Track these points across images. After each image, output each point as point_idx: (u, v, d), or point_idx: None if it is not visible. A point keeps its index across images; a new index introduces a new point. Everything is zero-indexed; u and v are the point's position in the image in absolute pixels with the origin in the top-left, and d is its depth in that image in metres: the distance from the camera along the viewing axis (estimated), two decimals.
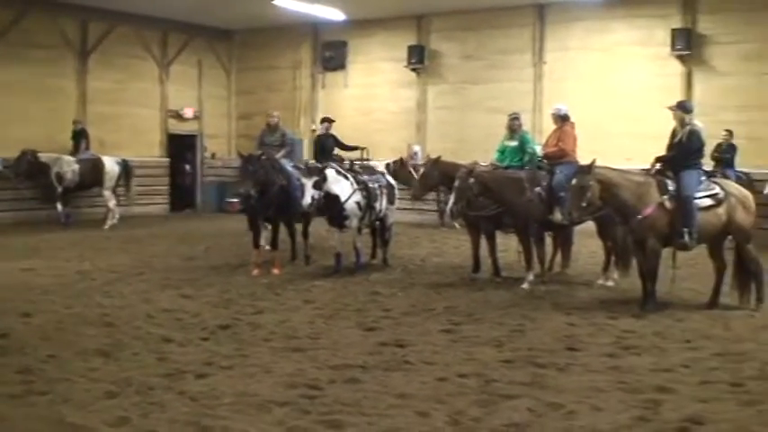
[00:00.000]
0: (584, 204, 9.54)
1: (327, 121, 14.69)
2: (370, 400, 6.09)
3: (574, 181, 9.66)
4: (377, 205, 12.58)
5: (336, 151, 14.54)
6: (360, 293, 10.67)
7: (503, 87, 19.87)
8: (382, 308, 9.76)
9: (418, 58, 21.06)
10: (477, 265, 12.01)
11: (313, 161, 14.41)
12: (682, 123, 9.82)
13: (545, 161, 11.54)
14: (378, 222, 13.09)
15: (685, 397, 6.26)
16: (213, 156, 24.29)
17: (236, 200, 19.64)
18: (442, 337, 8.27)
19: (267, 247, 12.53)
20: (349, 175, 12.28)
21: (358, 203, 12.12)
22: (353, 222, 12.16)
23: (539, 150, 11.88)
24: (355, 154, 15.60)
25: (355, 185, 12.16)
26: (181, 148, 23.73)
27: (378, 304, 9.98)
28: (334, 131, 14.57)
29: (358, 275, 12.00)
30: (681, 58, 17.87)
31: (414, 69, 21.30)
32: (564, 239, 12.24)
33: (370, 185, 12.45)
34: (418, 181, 12.56)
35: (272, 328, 8.61)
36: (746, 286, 9.83)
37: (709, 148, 15.10)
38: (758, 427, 5.61)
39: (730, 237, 10.01)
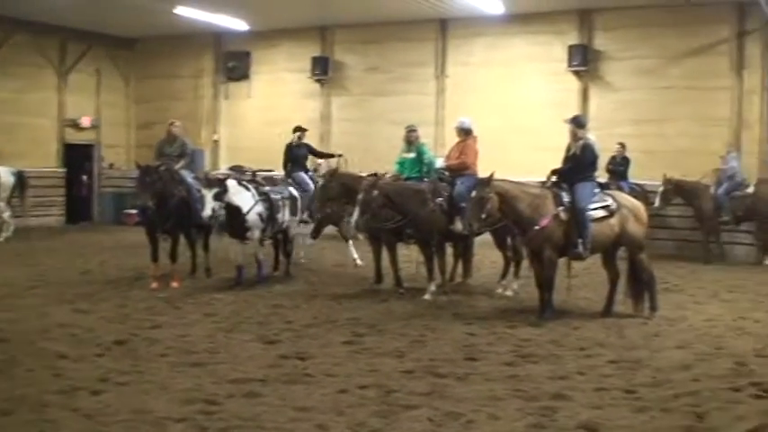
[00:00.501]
0: (483, 216, 9.70)
1: (300, 130, 14.70)
2: (269, 414, 6.03)
3: (473, 193, 9.81)
4: (279, 217, 12.50)
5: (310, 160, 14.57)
6: (261, 306, 10.57)
7: (406, 100, 20.05)
8: (284, 320, 9.70)
9: (322, 69, 21.08)
10: (379, 277, 12.07)
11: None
12: (575, 137, 10.10)
13: (447, 173, 11.69)
14: (280, 234, 13.01)
15: (580, 404, 6.41)
16: (111, 166, 23.73)
17: (134, 212, 19.23)
18: (343, 349, 8.27)
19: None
20: (251, 187, 12.17)
21: (260, 215, 12.01)
22: (255, 234, 12.05)
23: (438, 162, 12.03)
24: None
25: (257, 197, 12.06)
26: (78, 158, 23.09)
27: (280, 317, 9.91)
28: (307, 140, 14.71)
29: (260, 288, 11.89)
30: (577, 73, 18.40)
31: (318, 80, 21.31)
32: (465, 250, 12.40)
33: (273, 197, 12.37)
34: (317, 193, 12.50)
35: (170, 342, 8.44)
36: (640, 295, 10.15)
37: (603, 161, 15.64)
38: None
39: (623, 247, 10.32)
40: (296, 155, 14.52)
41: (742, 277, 13.92)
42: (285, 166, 14.50)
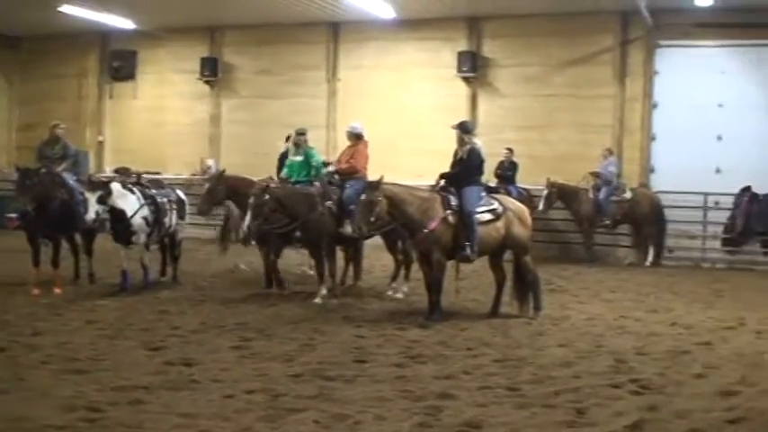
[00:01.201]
0: (372, 219, 9.78)
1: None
2: (152, 422, 5.89)
3: (363, 196, 9.87)
4: (166, 221, 12.25)
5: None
6: (147, 312, 10.34)
7: (298, 103, 19.97)
8: (170, 326, 9.51)
9: (211, 70, 20.79)
10: (269, 281, 11.99)
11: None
12: (461, 142, 10.28)
13: (336, 176, 11.71)
14: (167, 238, 12.75)
15: (465, 402, 6.51)
16: None
17: (14, 215, 18.51)
18: (231, 354, 8.17)
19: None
20: (136, 190, 11.89)
21: (145, 219, 11.75)
22: (141, 238, 11.78)
23: (329, 166, 12.05)
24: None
25: (143, 200, 11.79)
26: None
27: (165, 322, 9.72)
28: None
29: (146, 293, 11.64)
30: (466, 79, 18.72)
31: (207, 82, 21.00)
32: (355, 253, 12.45)
33: (159, 200, 12.11)
34: (203, 196, 12.32)
35: (52, 350, 8.16)
36: (525, 296, 10.40)
37: (492, 166, 15.99)
38: (532, 429, 5.91)
39: (509, 249, 10.55)
40: None
41: (623, 278, 14.47)
42: (278, 174, 14.11)
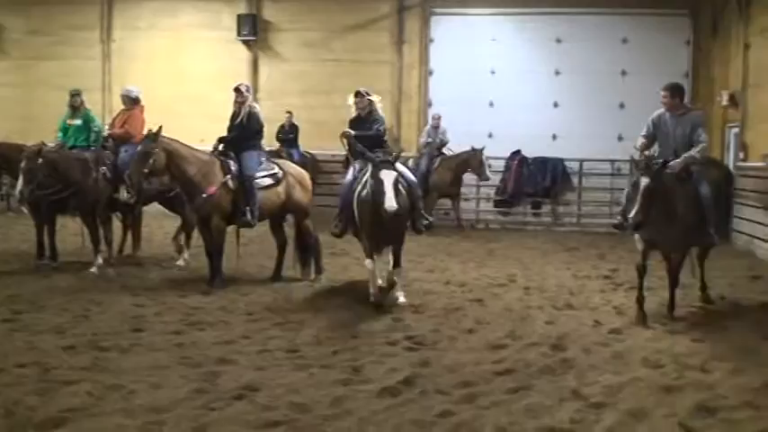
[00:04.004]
0: (146, 170, 9.57)
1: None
2: None
3: (139, 147, 9.67)
4: None
5: None
6: None
7: (71, 64, 19.02)
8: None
9: None
10: (42, 251, 11.46)
11: None
12: (241, 106, 10.23)
13: (110, 141, 11.34)
14: None
15: (244, 366, 6.60)
16: None
17: None
18: (1, 327, 7.80)
19: None
20: None
21: None
22: None
23: (105, 130, 11.64)
24: None
25: None
26: None
27: None
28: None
29: None
30: (247, 43, 18.57)
31: None
32: (133, 221, 12.13)
33: None
34: None
35: None
36: (307, 260, 10.57)
37: (273, 130, 16.03)
38: (309, 388, 6.07)
39: (290, 214, 10.67)
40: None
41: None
42: None
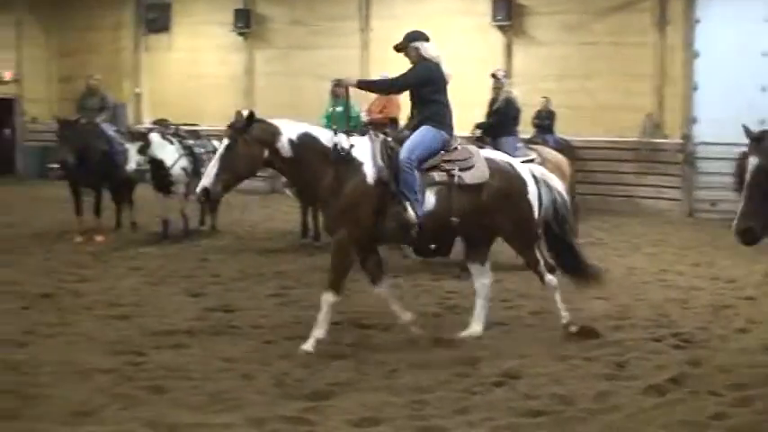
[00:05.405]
0: None
1: None
2: (195, 365, 6.04)
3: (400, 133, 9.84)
4: (203, 171, 12.32)
5: None
6: (188, 260, 10.51)
7: (330, 54, 19.80)
8: (211, 274, 9.65)
9: (245, 22, 20.68)
10: (305, 231, 12.04)
11: None
12: (498, 92, 10.17)
13: (370, 127, 11.66)
14: None
15: (504, 353, 6.48)
16: (34, 120, 23.06)
17: (56, 166, 18.77)
18: (270, 302, 8.28)
19: None
20: (174, 141, 12.01)
21: (184, 169, 11.89)
22: (180, 188, 11.93)
23: (363, 116, 12.00)
24: None
25: (181, 151, 11.93)
26: None
27: (206, 270, 9.86)
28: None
29: (186, 242, 11.78)
30: (502, 28, 18.45)
31: (240, 34, 20.91)
32: None
33: (196, 151, 12.22)
34: None
35: (96, 296, 8.38)
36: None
37: (528, 116, 15.81)
38: (571, 379, 5.92)
39: None
40: None
41: (666, 231, 14.19)
42: None
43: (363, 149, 6.75)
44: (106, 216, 12.28)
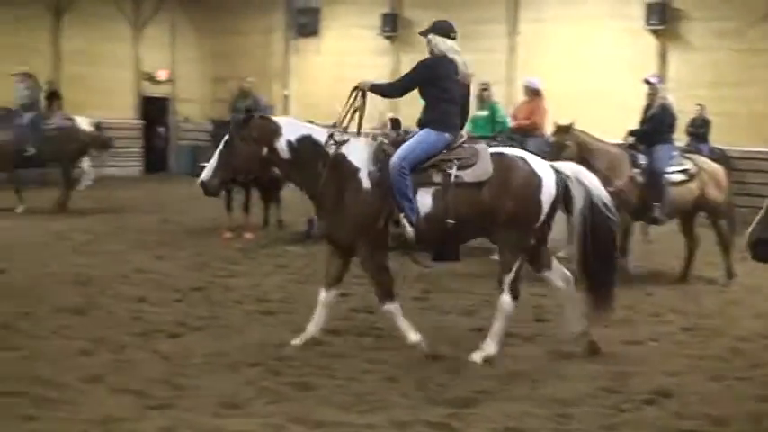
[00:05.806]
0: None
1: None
2: (341, 365, 6.13)
3: (552, 139, 9.77)
4: None
5: None
6: None
7: (476, 58, 19.49)
8: (354, 275, 9.58)
9: (392, 26, 20.90)
10: None
11: None
12: (653, 98, 9.85)
13: (515, 133, 11.54)
14: None
15: (655, 370, 6.31)
16: (186, 119, 24.05)
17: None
18: (412, 305, 8.25)
19: None
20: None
21: None
22: None
23: (509, 122, 11.87)
24: None
25: None
26: (154, 111, 23.56)
27: (350, 271, 9.77)
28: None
29: None
30: (655, 32, 17.88)
31: (388, 38, 21.14)
32: None
33: None
34: None
35: (245, 291, 8.64)
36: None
37: (683, 123, 15.26)
38: (725, 400, 5.69)
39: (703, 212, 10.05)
40: None
41: None
42: None
43: (359, 154, 6.59)
44: (254, 213, 12.62)
